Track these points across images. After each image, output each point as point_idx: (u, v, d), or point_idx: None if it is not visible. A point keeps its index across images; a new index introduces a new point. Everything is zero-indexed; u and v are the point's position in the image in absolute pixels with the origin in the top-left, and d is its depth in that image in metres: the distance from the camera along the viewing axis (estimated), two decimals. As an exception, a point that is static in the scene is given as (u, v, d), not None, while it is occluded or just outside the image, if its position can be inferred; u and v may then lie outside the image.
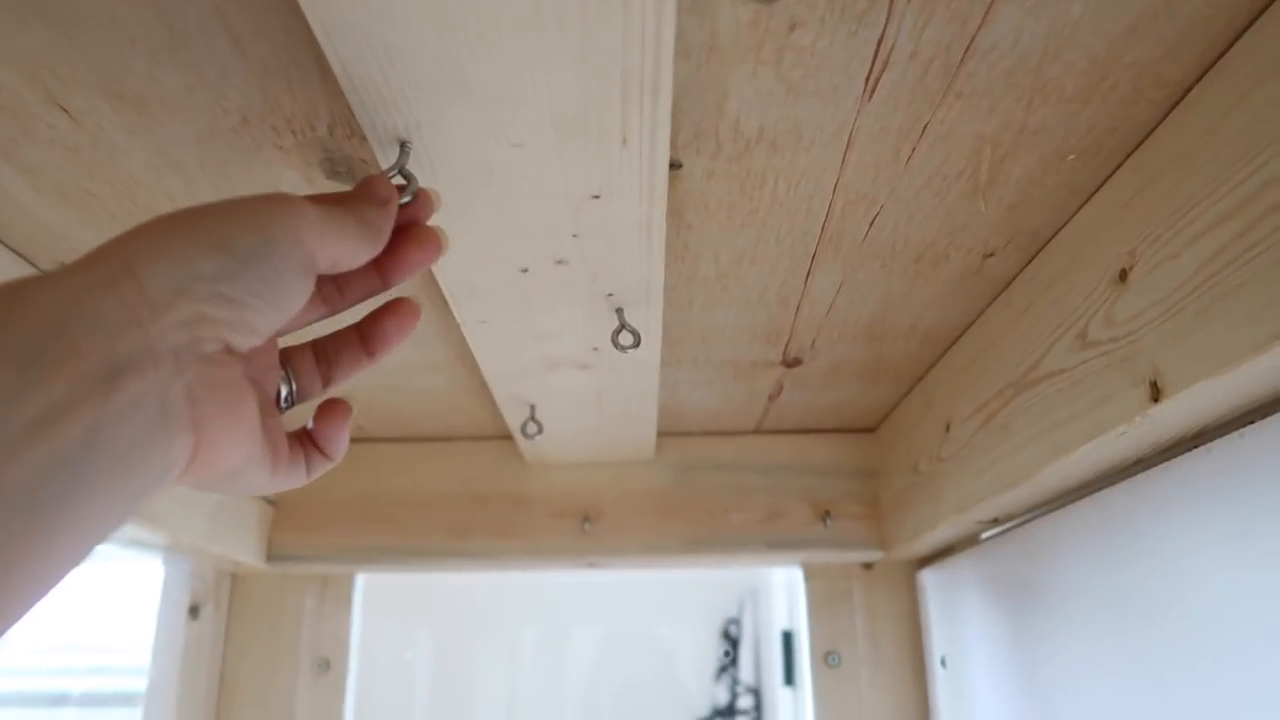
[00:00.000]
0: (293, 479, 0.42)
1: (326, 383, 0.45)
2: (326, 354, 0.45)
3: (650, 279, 0.65)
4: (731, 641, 2.08)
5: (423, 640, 2.07)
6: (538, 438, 1.01)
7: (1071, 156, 0.58)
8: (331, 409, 0.44)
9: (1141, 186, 0.57)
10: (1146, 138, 0.56)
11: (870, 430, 1.20)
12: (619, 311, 0.69)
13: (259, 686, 1.19)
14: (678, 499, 1.18)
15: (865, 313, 0.82)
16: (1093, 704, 0.74)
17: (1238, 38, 0.48)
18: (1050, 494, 0.79)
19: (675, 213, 0.63)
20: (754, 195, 0.62)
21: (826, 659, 1.17)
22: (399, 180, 0.47)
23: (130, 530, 0.91)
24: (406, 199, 0.46)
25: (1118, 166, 0.59)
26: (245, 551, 1.11)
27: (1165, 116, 0.54)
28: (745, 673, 2.01)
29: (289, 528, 1.18)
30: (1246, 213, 0.47)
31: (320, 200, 0.41)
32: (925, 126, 0.54)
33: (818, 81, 0.50)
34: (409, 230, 0.45)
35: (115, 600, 1.32)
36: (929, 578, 1.15)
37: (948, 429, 0.91)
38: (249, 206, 0.36)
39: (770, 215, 0.64)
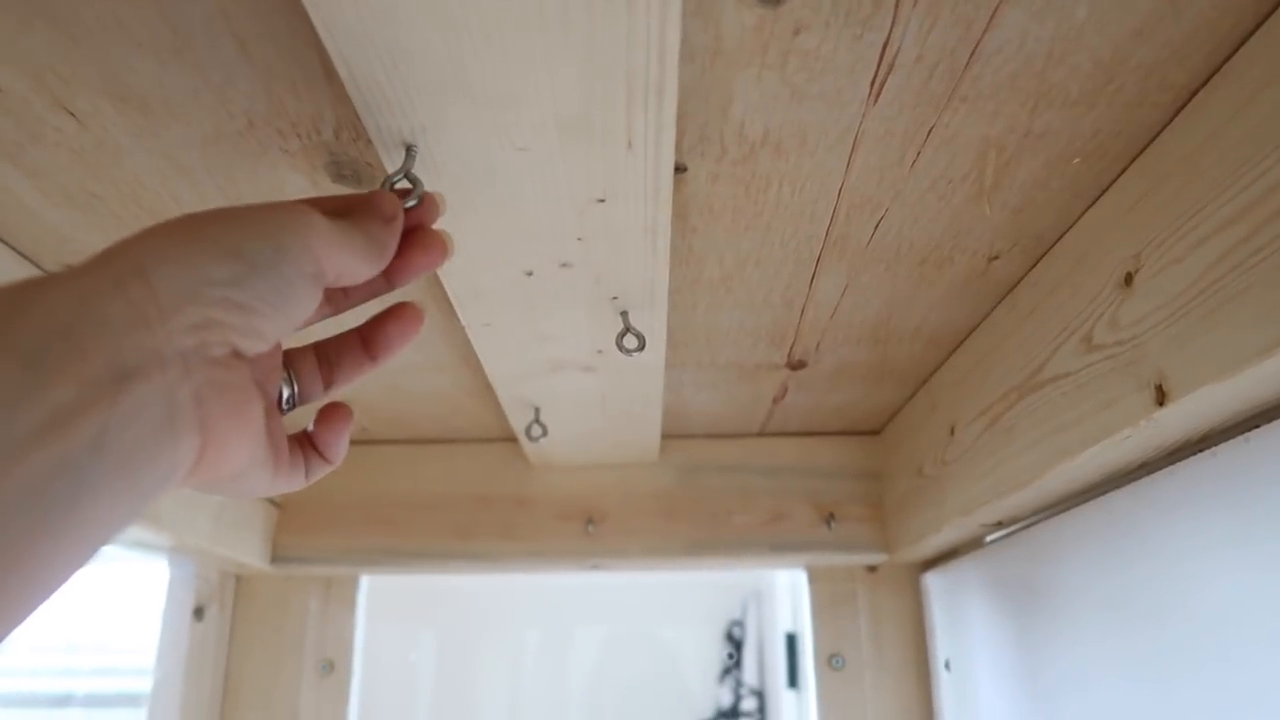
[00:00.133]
0: (292, 482, 0.42)
1: (328, 385, 0.45)
2: (328, 356, 0.45)
3: (655, 282, 0.65)
4: (735, 644, 2.08)
5: (426, 642, 2.08)
6: (542, 440, 1.01)
7: (1076, 160, 0.58)
8: (333, 413, 0.44)
9: (1147, 190, 0.57)
10: (1151, 141, 0.56)
11: (875, 433, 1.20)
12: (623, 314, 0.69)
13: (263, 688, 1.19)
14: (682, 501, 1.18)
15: (870, 315, 0.82)
16: (1097, 707, 0.74)
17: (1244, 41, 0.48)
18: (1055, 497, 0.79)
19: (680, 216, 0.63)
20: (759, 198, 0.62)
21: (830, 661, 1.17)
22: (404, 184, 0.47)
23: (135, 532, 0.91)
24: (412, 203, 0.46)
25: (1123, 170, 0.59)
26: (249, 553, 1.11)
27: (1170, 120, 0.54)
28: (749, 675, 2.01)
29: (293, 529, 1.18)
30: (1252, 217, 0.47)
31: (330, 212, 0.41)
32: (930, 130, 0.54)
33: (822, 85, 0.50)
34: (415, 234, 0.45)
35: (120, 601, 1.32)
36: (933, 580, 1.15)
37: (952, 432, 0.91)
38: (262, 214, 0.36)
39: (775, 218, 0.64)
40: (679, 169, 0.58)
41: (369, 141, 0.54)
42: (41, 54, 0.47)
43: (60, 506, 0.28)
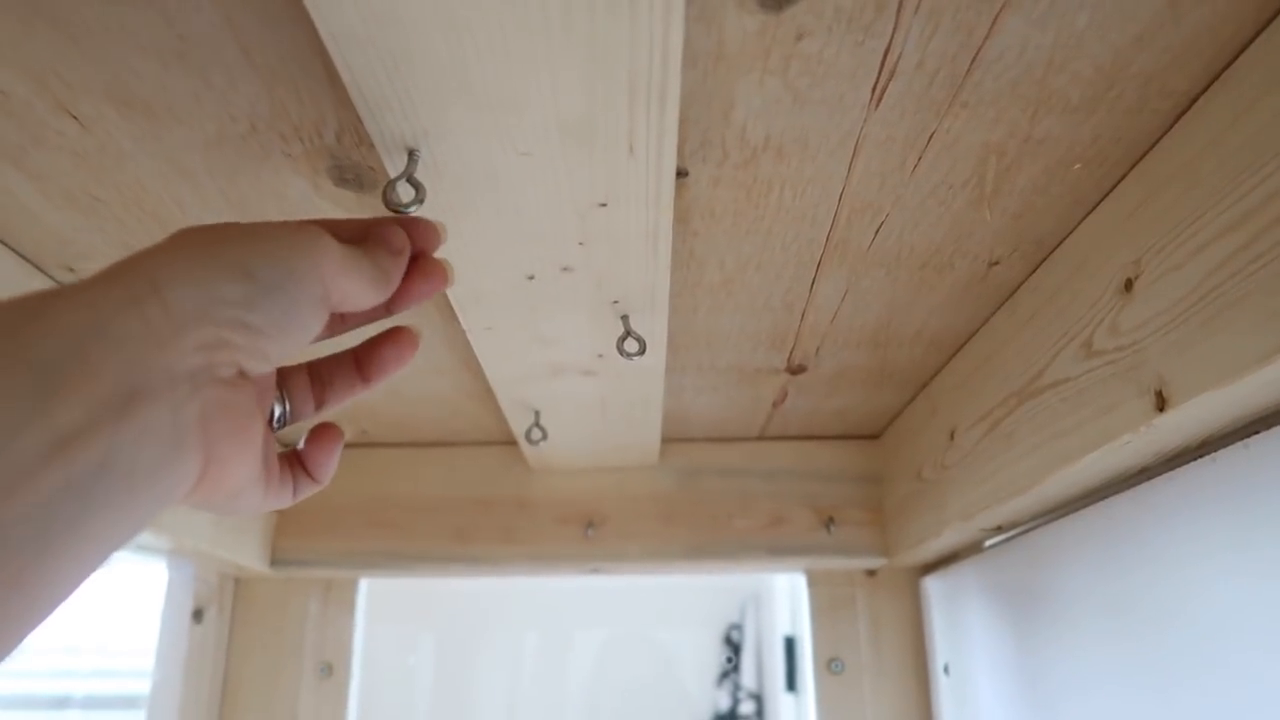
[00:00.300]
0: (280, 500, 0.42)
1: (320, 405, 0.45)
2: (321, 377, 0.45)
3: (656, 286, 0.65)
4: (734, 647, 2.08)
5: (425, 645, 2.07)
6: (542, 443, 1.01)
7: (1077, 166, 0.58)
8: (324, 433, 0.44)
9: (1146, 196, 0.57)
10: (1152, 148, 0.56)
11: (874, 437, 1.20)
12: (624, 318, 0.69)
13: (262, 690, 1.19)
14: (681, 505, 1.18)
15: (870, 320, 0.82)
16: (1096, 712, 0.74)
17: (1244, 48, 0.48)
18: (1054, 502, 0.79)
19: (681, 220, 0.63)
20: (760, 203, 0.62)
21: (829, 665, 1.17)
22: (407, 188, 0.47)
23: (135, 534, 0.91)
24: (414, 208, 0.46)
25: (1123, 176, 0.59)
26: (249, 556, 1.11)
27: (1170, 127, 0.54)
28: (747, 678, 2.01)
29: (293, 532, 1.18)
30: (1251, 224, 0.47)
31: (341, 235, 0.41)
32: (931, 136, 0.54)
33: (824, 90, 0.50)
34: (415, 261, 0.45)
35: (119, 604, 1.32)
36: (932, 585, 1.15)
37: (952, 436, 0.91)
38: (274, 234, 0.36)
39: (776, 223, 0.64)
40: (681, 173, 0.58)
41: (371, 145, 0.54)
42: (45, 57, 0.47)
43: (65, 526, 0.28)
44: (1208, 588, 0.60)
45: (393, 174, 0.48)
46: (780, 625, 1.72)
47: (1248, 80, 0.48)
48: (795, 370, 0.94)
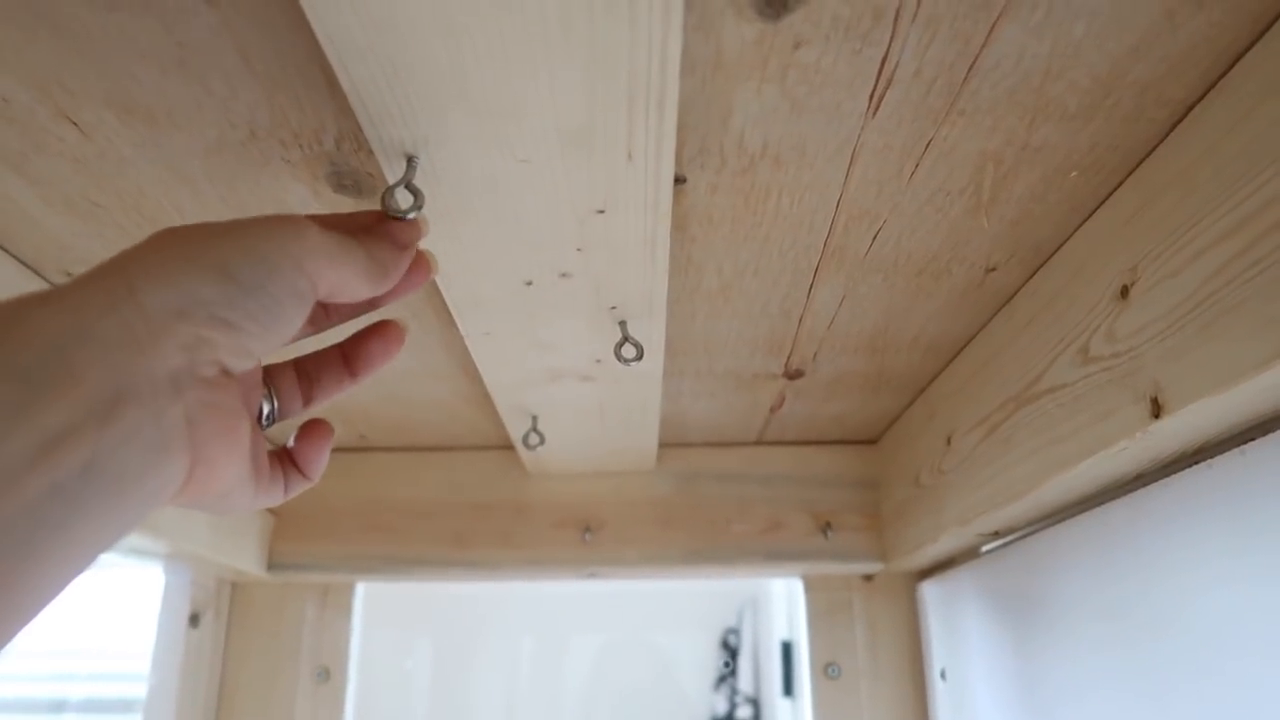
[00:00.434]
0: (271, 497, 0.42)
1: (307, 402, 0.45)
2: (308, 373, 0.45)
3: (654, 292, 0.65)
4: (731, 651, 2.08)
5: (422, 649, 2.07)
6: (539, 448, 1.01)
7: (1074, 173, 0.58)
8: (314, 429, 0.44)
9: (1143, 203, 0.57)
10: (1148, 155, 0.56)
11: (871, 442, 1.20)
12: (622, 324, 0.70)
13: (259, 695, 1.19)
14: (679, 509, 1.18)
15: (867, 325, 0.82)
16: (1092, 718, 0.74)
17: (1240, 57, 0.48)
18: (1051, 508, 0.79)
19: (679, 226, 0.64)
20: (758, 209, 0.62)
21: (826, 670, 1.17)
22: (406, 194, 0.47)
23: (131, 538, 0.91)
24: (412, 215, 0.46)
25: (1120, 183, 0.59)
26: (246, 560, 1.11)
27: (1167, 134, 0.54)
28: (744, 683, 2.01)
29: (290, 536, 1.18)
30: (1248, 231, 0.47)
31: (333, 225, 0.41)
32: (928, 143, 0.55)
33: (822, 98, 0.50)
34: None
35: (116, 608, 1.32)
36: (929, 590, 1.15)
37: (949, 442, 0.91)
38: (252, 229, 0.36)
39: (774, 229, 0.65)
40: (679, 180, 0.58)
41: (370, 152, 0.54)
42: (46, 65, 0.47)
43: (51, 530, 0.28)
44: (1204, 594, 0.60)
45: (391, 180, 0.48)
46: (777, 630, 1.72)
47: (1244, 89, 0.48)
48: (793, 375, 0.95)
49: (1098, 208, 0.62)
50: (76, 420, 0.29)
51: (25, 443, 0.27)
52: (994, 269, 0.71)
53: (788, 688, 1.61)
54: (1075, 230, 0.65)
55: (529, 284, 0.63)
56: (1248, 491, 0.56)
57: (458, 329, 0.71)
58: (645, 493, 1.19)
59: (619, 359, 0.70)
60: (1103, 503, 0.73)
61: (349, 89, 0.43)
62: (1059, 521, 0.80)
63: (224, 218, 0.59)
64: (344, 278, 0.40)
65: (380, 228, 0.43)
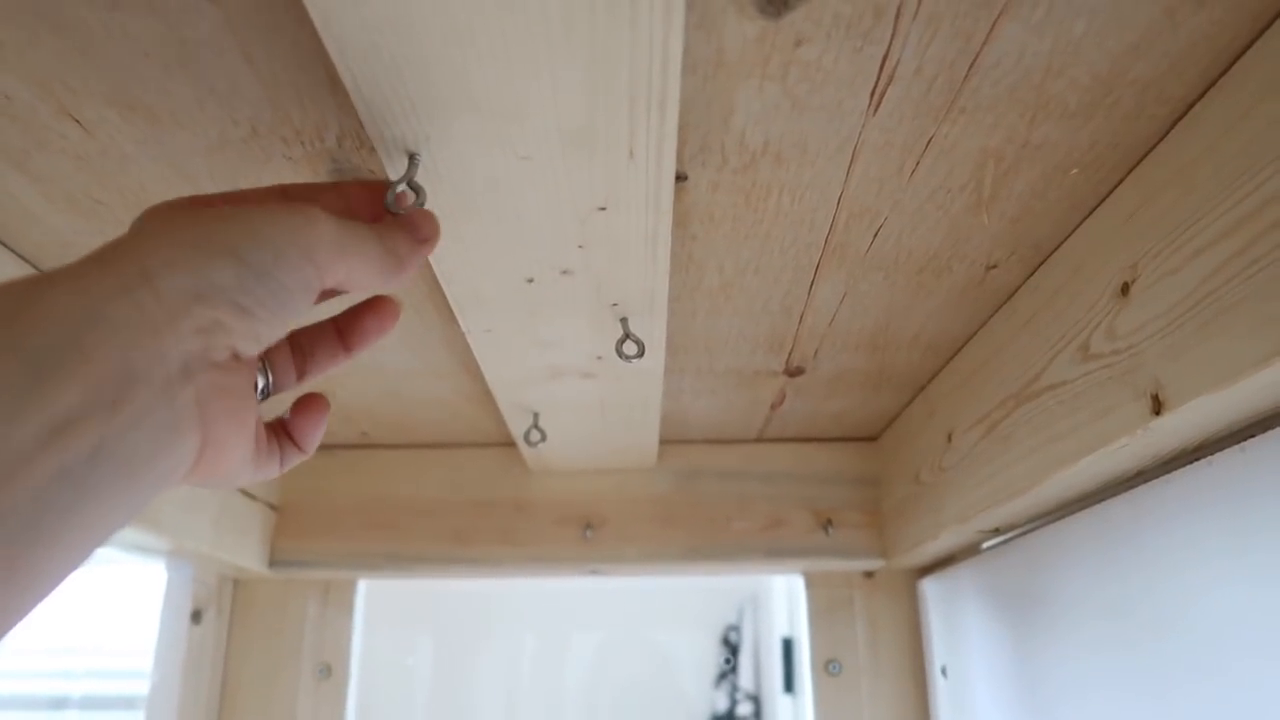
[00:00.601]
0: (268, 471, 0.42)
1: (301, 376, 0.45)
2: (303, 347, 0.45)
3: (655, 289, 0.65)
4: (731, 648, 2.08)
5: (424, 646, 2.07)
6: (540, 445, 1.01)
7: (1074, 171, 0.58)
8: (310, 403, 0.44)
9: (1143, 201, 0.57)
10: (1149, 153, 0.56)
11: (872, 439, 1.20)
12: (623, 321, 0.70)
13: (260, 692, 1.19)
14: (679, 506, 1.18)
15: (868, 323, 0.82)
16: (1093, 715, 0.74)
17: (1240, 55, 0.48)
18: (1051, 505, 0.80)
19: (680, 224, 0.64)
20: (759, 207, 0.62)
21: (827, 667, 1.18)
22: (407, 192, 0.47)
23: (134, 535, 0.91)
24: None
25: (1120, 181, 0.60)
26: (248, 557, 1.11)
27: (1167, 132, 0.55)
28: (745, 680, 2.01)
29: (292, 533, 1.18)
30: (1247, 229, 0.47)
31: (343, 203, 0.41)
32: (929, 141, 0.55)
33: (823, 96, 0.51)
34: None
35: (118, 604, 1.32)
36: (930, 587, 1.15)
37: (949, 439, 0.91)
38: (260, 216, 0.36)
39: (774, 227, 0.65)
40: (680, 178, 0.58)
41: (372, 149, 0.54)
42: (49, 63, 0.47)
43: (60, 513, 0.28)
44: (1204, 590, 0.60)
45: (393, 177, 0.48)
46: (778, 627, 1.72)
47: (1243, 87, 0.48)
48: (793, 373, 0.95)
49: (1098, 205, 0.62)
50: (87, 403, 0.28)
51: (34, 426, 0.27)
52: (994, 266, 0.71)
53: (788, 684, 1.61)
54: (1076, 228, 0.65)
55: (530, 281, 0.63)
56: (1248, 488, 0.56)
57: (459, 326, 0.72)
58: (646, 490, 1.19)
59: (620, 356, 0.71)
60: (1103, 500, 0.73)
61: (351, 87, 0.43)
62: (1059, 518, 0.81)
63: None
64: (354, 269, 0.40)
65: (402, 221, 0.43)
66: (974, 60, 0.48)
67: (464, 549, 1.17)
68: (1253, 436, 0.56)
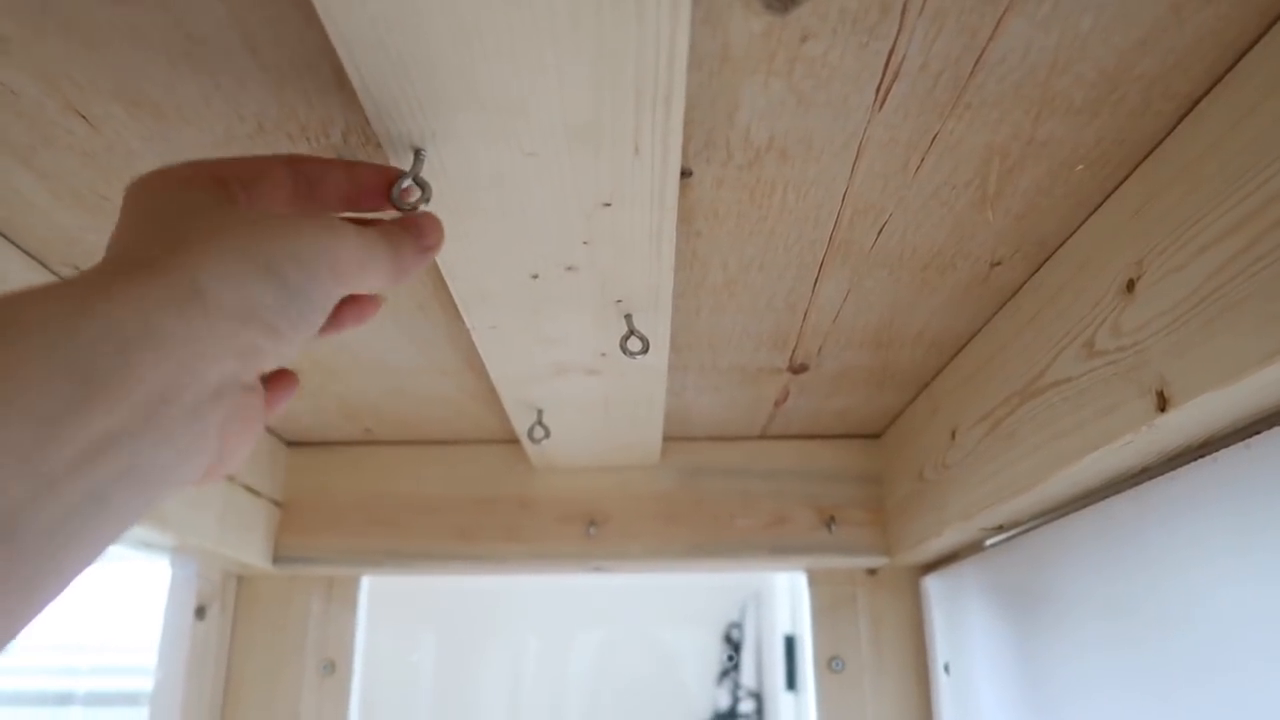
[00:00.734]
0: None
1: None
2: None
3: (659, 286, 0.65)
4: (734, 645, 2.09)
5: (427, 642, 2.08)
6: (544, 442, 1.01)
7: (1079, 167, 0.58)
8: (283, 379, 0.44)
9: (1149, 198, 0.57)
10: (1154, 149, 0.56)
11: (876, 436, 1.20)
12: (628, 318, 0.70)
13: (264, 688, 1.19)
14: (683, 503, 1.19)
15: (872, 320, 0.82)
16: (1097, 713, 0.74)
17: (1246, 51, 0.48)
18: (1055, 502, 0.80)
19: (685, 220, 0.64)
20: (763, 203, 0.62)
21: (830, 664, 1.18)
22: (413, 187, 0.47)
23: (138, 531, 0.91)
24: (421, 207, 0.46)
25: (1125, 178, 0.60)
26: (252, 553, 1.11)
27: (1173, 129, 0.54)
28: (747, 677, 2.01)
29: (295, 530, 1.18)
30: (1253, 226, 0.47)
31: (353, 195, 0.41)
32: (934, 137, 0.55)
33: (828, 92, 0.51)
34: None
35: (122, 601, 1.32)
36: (933, 584, 1.15)
37: (953, 436, 0.91)
38: (292, 228, 0.36)
39: (779, 223, 0.65)
40: (685, 174, 0.58)
41: (377, 145, 0.54)
42: (56, 58, 0.47)
43: (80, 528, 0.28)
44: (1208, 587, 0.60)
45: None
46: (780, 624, 1.72)
47: (1249, 83, 0.48)
48: (797, 370, 0.95)
49: (1103, 202, 0.62)
50: (126, 423, 0.28)
51: (73, 447, 0.27)
52: (999, 263, 0.71)
53: (791, 682, 1.61)
54: (1081, 224, 0.65)
55: (535, 277, 0.63)
56: (1252, 486, 0.56)
57: (464, 323, 0.72)
58: (650, 487, 1.19)
59: (625, 352, 0.71)
60: (1107, 497, 0.73)
61: (357, 83, 0.43)
62: (1063, 516, 0.81)
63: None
64: (368, 278, 0.40)
65: (403, 222, 0.43)
66: (980, 56, 0.48)
67: (468, 546, 1.17)
68: (1258, 433, 0.56)
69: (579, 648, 2.11)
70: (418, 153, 0.48)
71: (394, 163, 0.49)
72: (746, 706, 2.00)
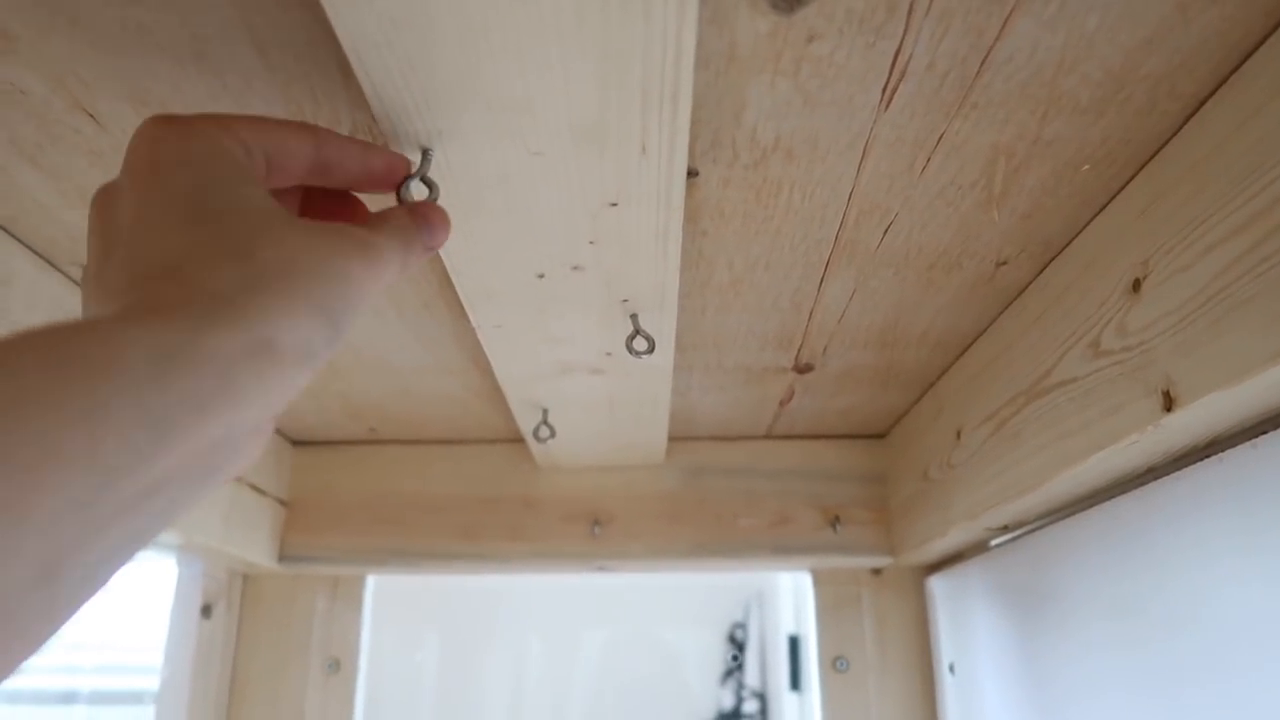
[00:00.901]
0: None
1: None
2: None
3: (665, 285, 0.65)
4: (738, 646, 2.08)
5: (432, 641, 2.08)
6: (549, 441, 1.01)
7: (1085, 167, 0.58)
8: None
9: (1155, 197, 0.57)
10: (1160, 149, 0.56)
11: (880, 436, 1.20)
12: (633, 317, 0.70)
13: (270, 686, 1.19)
14: (687, 503, 1.19)
15: (877, 320, 0.82)
16: (1102, 714, 0.74)
17: (1252, 51, 0.48)
18: (1060, 502, 0.80)
19: (690, 220, 0.64)
20: (769, 203, 0.62)
21: (834, 664, 1.18)
22: (420, 187, 0.47)
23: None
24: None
25: (1131, 177, 0.60)
26: (257, 552, 1.12)
27: (1179, 129, 0.54)
28: (751, 677, 2.01)
29: (301, 529, 1.19)
30: (1259, 225, 0.47)
31: (364, 175, 0.42)
32: (940, 137, 0.55)
33: (835, 92, 0.51)
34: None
35: (129, 599, 1.33)
36: (938, 584, 1.15)
37: (958, 436, 0.91)
38: (349, 278, 0.35)
39: (785, 223, 0.65)
40: (691, 174, 0.58)
41: (385, 144, 0.54)
42: (63, 57, 0.47)
43: (115, 564, 0.28)
44: (1214, 588, 0.60)
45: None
46: (784, 624, 1.72)
47: (1255, 84, 0.48)
48: (802, 370, 0.95)
49: (1109, 202, 0.62)
50: (179, 467, 0.28)
51: (129, 494, 0.26)
52: (1004, 263, 0.71)
53: (795, 682, 1.61)
54: (1087, 224, 0.65)
55: (541, 277, 0.64)
56: (1259, 485, 0.56)
57: (469, 322, 0.72)
58: (654, 486, 1.19)
59: (630, 352, 0.71)
60: (1112, 497, 0.73)
61: (365, 83, 0.43)
62: (1068, 516, 0.81)
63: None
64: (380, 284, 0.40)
65: (414, 216, 0.43)
66: (986, 56, 0.48)
67: (472, 545, 1.17)
68: (1264, 433, 0.56)
69: (583, 647, 2.11)
70: (425, 152, 0.48)
71: (401, 162, 0.49)
72: (750, 706, 1.99)
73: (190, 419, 0.28)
